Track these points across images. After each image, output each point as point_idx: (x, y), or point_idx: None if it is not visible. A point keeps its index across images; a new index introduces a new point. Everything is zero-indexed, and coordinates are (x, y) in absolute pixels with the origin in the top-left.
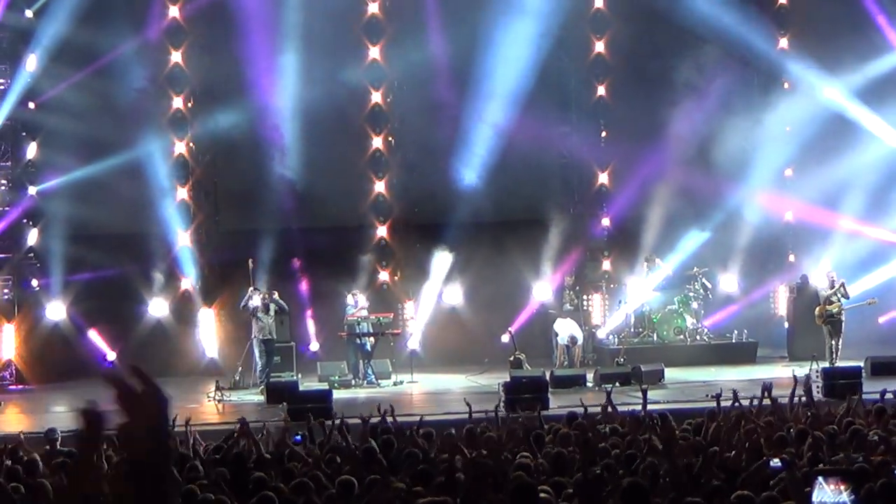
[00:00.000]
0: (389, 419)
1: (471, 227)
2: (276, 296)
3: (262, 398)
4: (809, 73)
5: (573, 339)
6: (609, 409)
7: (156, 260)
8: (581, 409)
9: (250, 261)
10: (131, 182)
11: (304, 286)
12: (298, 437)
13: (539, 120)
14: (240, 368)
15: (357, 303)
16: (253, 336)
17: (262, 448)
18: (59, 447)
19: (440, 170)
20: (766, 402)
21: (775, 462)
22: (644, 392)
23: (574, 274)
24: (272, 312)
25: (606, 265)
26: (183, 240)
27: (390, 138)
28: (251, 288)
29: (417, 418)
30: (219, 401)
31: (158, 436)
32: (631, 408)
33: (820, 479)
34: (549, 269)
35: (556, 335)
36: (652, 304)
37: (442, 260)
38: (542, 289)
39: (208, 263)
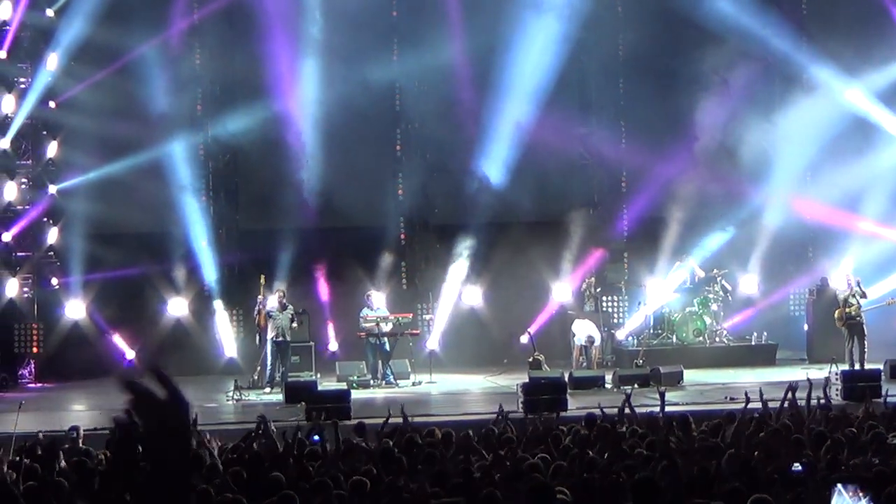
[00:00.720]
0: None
1: (490, 227)
2: (298, 321)
3: (280, 398)
4: (831, 73)
5: (591, 340)
6: (627, 411)
7: (175, 259)
8: (599, 411)
9: (262, 277)
10: (151, 181)
11: (323, 286)
12: (317, 438)
13: (559, 120)
14: (258, 368)
15: (371, 303)
16: (268, 337)
17: (280, 447)
18: (80, 445)
19: (460, 171)
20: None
21: (796, 466)
22: (662, 394)
23: (594, 275)
24: (288, 313)
25: (626, 266)
26: (203, 239)
27: (410, 139)
28: (259, 298)
29: (436, 419)
30: (237, 400)
31: (180, 441)
32: (649, 409)
33: (839, 485)
34: (568, 269)
35: (574, 336)
36: (671, 306)
37: (461, 260)
38: (562, 290)
39: (228, 263)
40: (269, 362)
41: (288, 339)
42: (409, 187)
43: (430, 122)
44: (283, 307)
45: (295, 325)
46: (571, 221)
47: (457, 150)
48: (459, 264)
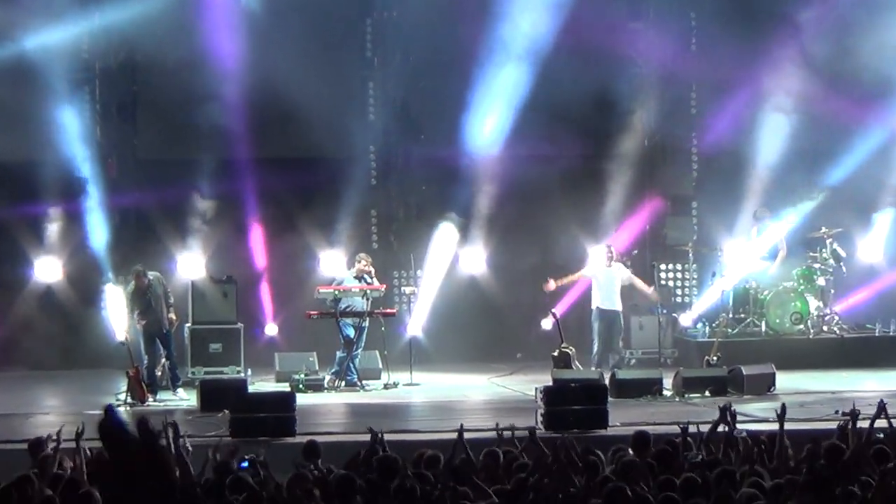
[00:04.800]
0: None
1: (500, 163)
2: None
3: (192, 402)
4: None
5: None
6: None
7: (47, 201)
8: (651, 429)
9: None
10: (12, 89)
11: (258, 244)
12: (244, 463)
13: (602, 13)
14: (163, 360)
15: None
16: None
17: (193, 472)
18: None
19: (457, 80)
20: None
21: None
22: (724, 411)
23: (648, 233)
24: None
25: (695, 221)
26: (86, 172)
27: (386, 34)
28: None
29: (418, 437)
30: (131, 405)
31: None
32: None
33: None
34: (611, 225)
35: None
36: (759, 279)
37: (458, 209)
38: (600, 255)
39: (121, 207)
40: (144, 360)
41: (161, 329)
42: (383, 103)
43: (414, 8)
44: (144, 288)
45: (172, 316)
46: (616, 156)
47: (452, 50)
48: (455, 215)
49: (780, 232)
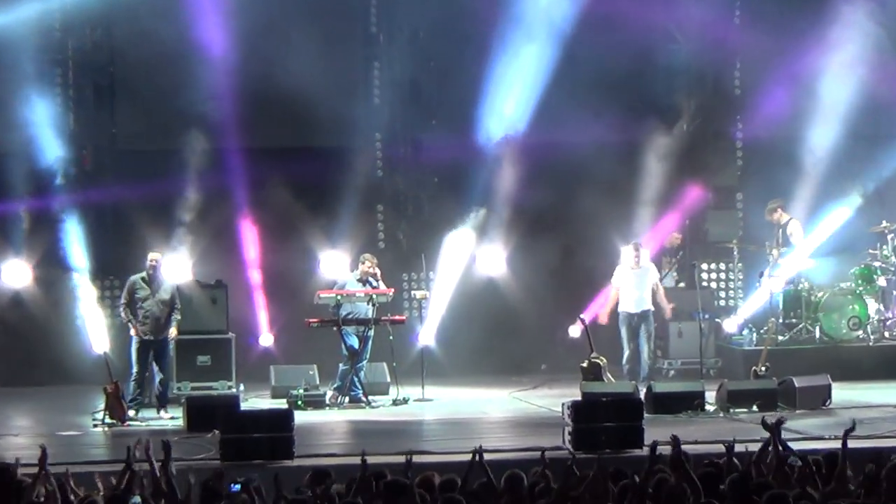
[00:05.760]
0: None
1: (521, 152)
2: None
3: (178, 422)
4: None
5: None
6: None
7: (14, 198)
8: (692, 448)
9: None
10: None
11: (252, 243)
12: (235, 486)
13: None
14: (146, 373)
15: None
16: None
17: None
18: None
19: (472, 59)
20: None
21: None
22: (770, 427)
23: (686, 228)
24: (163, 295)
25: (740, 215)
26: (59, 163)
27: (394, 10)
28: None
29: (432, 459)
30: (109, 425)
31: None
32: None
33: None
34: (646, 220)
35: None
36: (812, 279)
37: (474, 204)
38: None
39: (97, 203)
40: (133, 372)
41: (159, 336)
42: (390, 85)
43: None
44: (152, 283)
45: (174, 331)
46: (651, 142)
47: (467, 24)
48: (470, 211)
49: (803, 246)
